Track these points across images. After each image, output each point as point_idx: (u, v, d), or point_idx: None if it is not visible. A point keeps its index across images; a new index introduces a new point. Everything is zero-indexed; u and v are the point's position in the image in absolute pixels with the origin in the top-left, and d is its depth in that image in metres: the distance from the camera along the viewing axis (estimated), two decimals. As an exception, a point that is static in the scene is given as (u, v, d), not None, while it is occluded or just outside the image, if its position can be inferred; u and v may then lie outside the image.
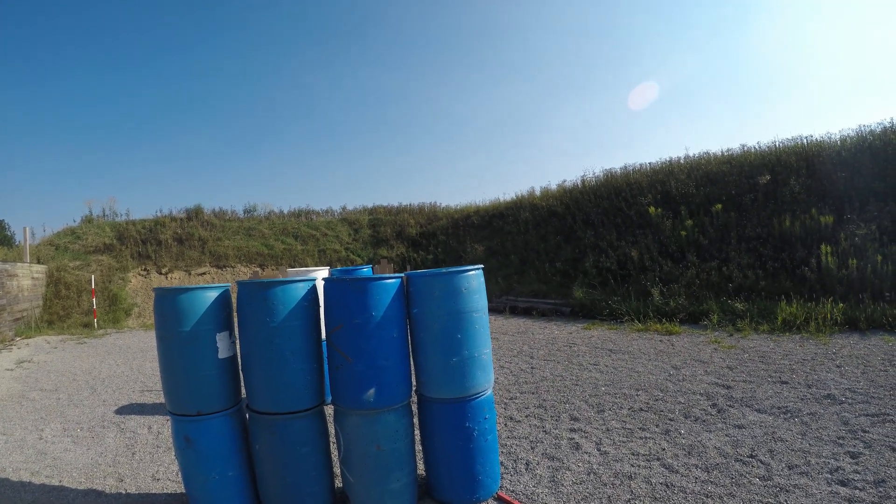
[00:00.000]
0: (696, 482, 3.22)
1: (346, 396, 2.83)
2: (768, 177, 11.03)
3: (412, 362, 3.09)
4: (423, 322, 2.96)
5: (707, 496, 3.04)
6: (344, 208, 23.69)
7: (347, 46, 56.18)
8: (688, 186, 12.49)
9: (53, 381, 7.36)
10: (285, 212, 22.48)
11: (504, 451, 3.92)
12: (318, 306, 3.06)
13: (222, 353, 2.94)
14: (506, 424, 4.55)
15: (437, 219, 21.10)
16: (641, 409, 4.88)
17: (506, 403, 5.16)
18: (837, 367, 5.83)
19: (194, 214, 19.45)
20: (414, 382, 3.08)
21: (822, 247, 8.73)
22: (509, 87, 62.57)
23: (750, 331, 7.88)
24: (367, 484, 2.84)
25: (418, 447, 3.35)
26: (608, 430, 4.24)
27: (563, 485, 3.31)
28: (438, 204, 23.42)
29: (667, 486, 3.21)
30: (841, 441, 3.69)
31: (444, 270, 2.94)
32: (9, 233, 25.42)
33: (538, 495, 3.18)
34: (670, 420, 4.40)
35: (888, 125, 11.23)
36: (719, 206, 11.09)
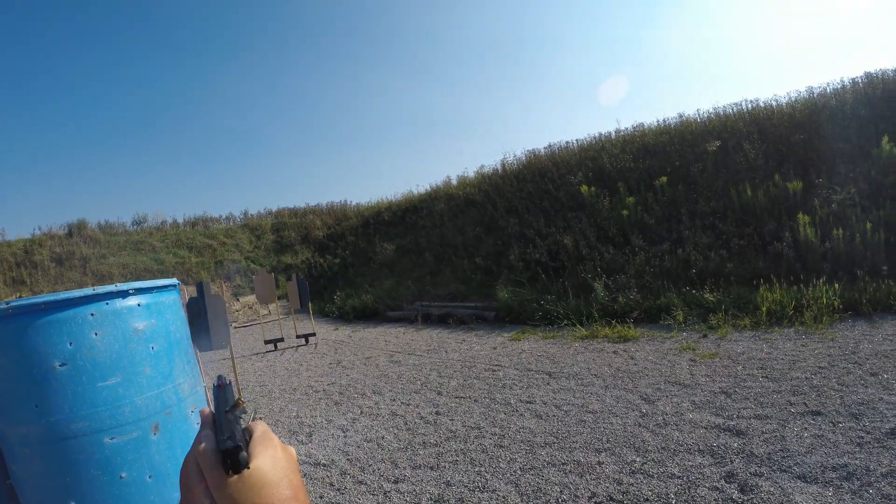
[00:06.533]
0: None
1: None
2: (718, 143, 9.27)
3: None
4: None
5: None
6: (245, 213, 21.13)
7: (248, 43, 52.07)
8: (624, 160, 10.55)
9: None
10: (180, 221, 19.78)
11: None
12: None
13: None
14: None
15: (346, 218, 18.96)
16: (611, 499, 2.56)
17: (386, 494, 3.05)
18: (872, 375, 4.06)
19: (76, 230, 16.91)
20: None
21: (799, 216, 6.89)
22: (421, 82, 60.76)
23: (728, 328, 5.81)
24: None
25: None
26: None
27: None
28: (348, 202, 21.02)
29: None
30: None
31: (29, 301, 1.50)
32: None
33: None
34: (668, 519, 2.44)
35: (839, 86, 9.92)
36: (664, 178, 9.17)
